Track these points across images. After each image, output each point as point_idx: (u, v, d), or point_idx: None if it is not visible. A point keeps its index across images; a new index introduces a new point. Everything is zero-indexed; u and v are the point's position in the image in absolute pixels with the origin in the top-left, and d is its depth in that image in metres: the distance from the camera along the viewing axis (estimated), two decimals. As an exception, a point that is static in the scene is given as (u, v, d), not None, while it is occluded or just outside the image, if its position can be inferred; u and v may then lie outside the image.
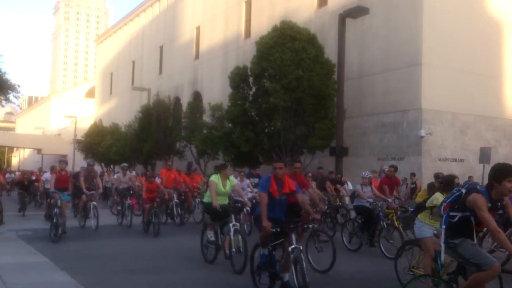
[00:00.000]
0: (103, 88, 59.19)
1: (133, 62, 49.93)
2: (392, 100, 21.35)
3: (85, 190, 13.21)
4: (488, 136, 22.11)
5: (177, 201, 14.50)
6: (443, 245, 4.71)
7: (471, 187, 4.68)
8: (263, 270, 6.50)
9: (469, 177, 17.92)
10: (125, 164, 18.35)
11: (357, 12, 19.81)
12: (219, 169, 8.99)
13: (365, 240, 10.12)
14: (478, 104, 21.71)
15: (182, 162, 30.24)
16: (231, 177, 9.11)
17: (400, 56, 21.11)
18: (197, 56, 38.29)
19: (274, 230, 6.10)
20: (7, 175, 33.95)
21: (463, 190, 4.71)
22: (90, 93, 79.43)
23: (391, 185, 11.67)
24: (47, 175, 16.71)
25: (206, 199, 8.93)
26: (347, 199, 15.46)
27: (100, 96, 60.47)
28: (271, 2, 29.68)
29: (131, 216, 14.20)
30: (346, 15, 20.08)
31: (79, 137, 48.77)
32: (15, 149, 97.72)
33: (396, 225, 9.99)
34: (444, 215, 4.77)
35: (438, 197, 6.43)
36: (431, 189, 11.52)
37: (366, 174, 10.86)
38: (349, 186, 16.47)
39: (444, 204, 4.84)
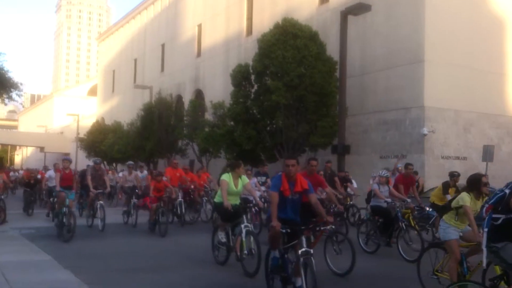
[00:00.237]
0: (105, 86, 59.17)
1: (135, 60, 49.89)
2: (394, 98, 21.28)
3: (92, 189, 13.21)
4: (491, 133, 22.00)
5: (182, 199, 14.44)
6: (485, 249, 4.41)
7: None
8: (274, 273, 6.24)
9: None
10: (131, 162, 18.15)
11: (359, 9, 19.71)
12: (231, 167, 8.66)
13: (383, 242, 9.77)
14: (481, 101, 21.60)
15: (184, 160, 30.30)
16: (243, 176, 8.75)
17: (402, 53, 21.03)
18: (198, 54, 38.23)
19: (284, 230, 5.82)
20: (11, 173, 34.06)
21: (507, 190, 4.40)
22: (93, 91, 79.37)
23: (406, 184, 11.29)
24: (50, 173, 16.70)
25: (217, 199, 8.65)
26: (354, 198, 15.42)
27: (102, 94, 60.45)
28: (273, -1, 29.61)
29: (136, 215, 14.18)
30: (348, 12, 20.00)
31: (81, 135, 48.79)
32: (17, 147, 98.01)
33: (413, 225, 9.75)
34: (486, 217, 4.46)
35: (464, 197, 6.07)
36: (446, 187, 11.47)
37: (383, 172, 10.35)
38: (354, 184, 16.41)
39: (486, 205, 4.55)
